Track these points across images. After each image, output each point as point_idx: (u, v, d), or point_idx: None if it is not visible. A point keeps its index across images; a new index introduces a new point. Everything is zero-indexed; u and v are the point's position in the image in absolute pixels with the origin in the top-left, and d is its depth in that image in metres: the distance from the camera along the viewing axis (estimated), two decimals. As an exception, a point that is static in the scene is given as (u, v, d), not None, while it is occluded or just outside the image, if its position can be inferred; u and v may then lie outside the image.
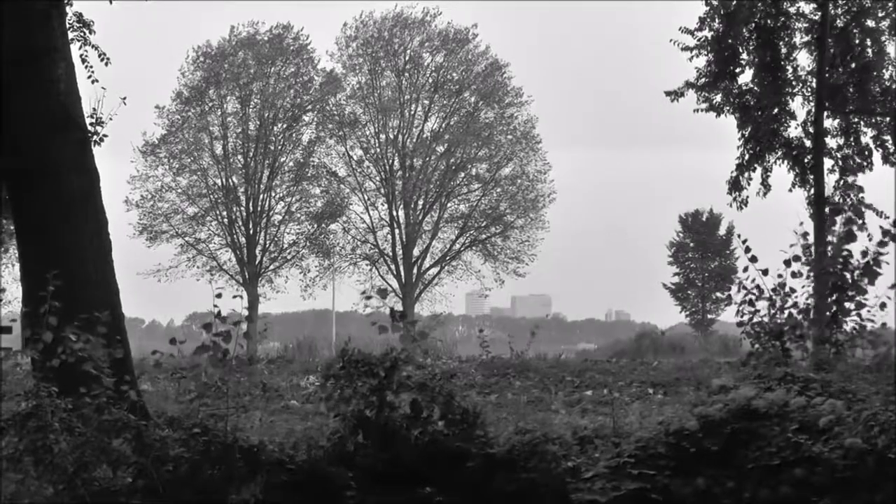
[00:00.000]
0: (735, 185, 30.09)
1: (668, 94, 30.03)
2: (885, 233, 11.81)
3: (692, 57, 29.74)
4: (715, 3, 29.50)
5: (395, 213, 64.55)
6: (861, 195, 28.89)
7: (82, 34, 16.34)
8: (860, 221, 12.22)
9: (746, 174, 30.00)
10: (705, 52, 29.63)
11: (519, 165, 64.94)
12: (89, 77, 16.08)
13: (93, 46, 16.57)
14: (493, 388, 19.35)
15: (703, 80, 29.67)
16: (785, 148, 29.73)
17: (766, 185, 30.13)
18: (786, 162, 29.86)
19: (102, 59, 16.58)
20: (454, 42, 64.73)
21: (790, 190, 29.84)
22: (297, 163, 64.17)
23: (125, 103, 17.05)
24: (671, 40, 29.85)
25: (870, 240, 11.94)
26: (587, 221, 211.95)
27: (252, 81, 63.07)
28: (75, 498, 9.52)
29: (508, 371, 22.36)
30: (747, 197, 30.14)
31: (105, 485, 9.69)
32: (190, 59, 63.81)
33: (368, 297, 10.98)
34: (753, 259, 11.98)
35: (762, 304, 11.95)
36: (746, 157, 29.89)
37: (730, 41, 29.49)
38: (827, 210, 28.19)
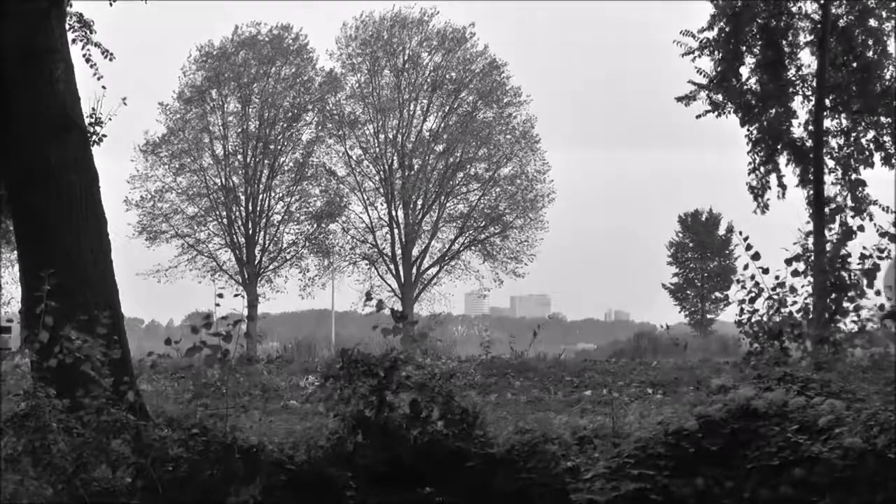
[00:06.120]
0: (757, 190, 29.78)
1: (678, 99, 29.80)
2: (882, 234, 11.77)
3: (694, 59, 29.65)
4: (721, 3, 29.40)
5: (394, 212, 64.58)
6: (865, 190, 28.66)
7: (84, 34, 16.31)
8: (860, 223, 12.17)
9: (763, 178, 29.78)
10: (709, 53, 29.52)
11: (518, 165, 64.92)
12: (94, 75, 16.07)
13: (95, 44, 16.56)
14: (492, 388, 19.34)
15: (712, 81, 29.46)
16: (789, 148, 29.63)
17: (782, 186, 29.95)
18: (791, 162, 29.75)
19: (106, 56, 16.56)
20: (451, 41, 64.68)
21: (803, 188, 29.66)
22: (296, 162, 64.18)
23: (125, 103, 17.04)
24: (675, 41, 29.71)
25: (878, 234, 11.83)
26: (587, 221, 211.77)
27: (253, 81, 63.11)
28: (74, 498, 9.51)
29: (508, 371, 22.37)
30: (768, 200, 29.92)
31: (104, 485, 9.68)
32: (192, 59, 63.92)
33: (370, 298, 10.92)
34: (756, 256, 11.88)
35: (762, 303, 11.91)
36: (758, 160, 29.73)
37: (734, 42, 29.38)
38: (827, 210, 28.10)
